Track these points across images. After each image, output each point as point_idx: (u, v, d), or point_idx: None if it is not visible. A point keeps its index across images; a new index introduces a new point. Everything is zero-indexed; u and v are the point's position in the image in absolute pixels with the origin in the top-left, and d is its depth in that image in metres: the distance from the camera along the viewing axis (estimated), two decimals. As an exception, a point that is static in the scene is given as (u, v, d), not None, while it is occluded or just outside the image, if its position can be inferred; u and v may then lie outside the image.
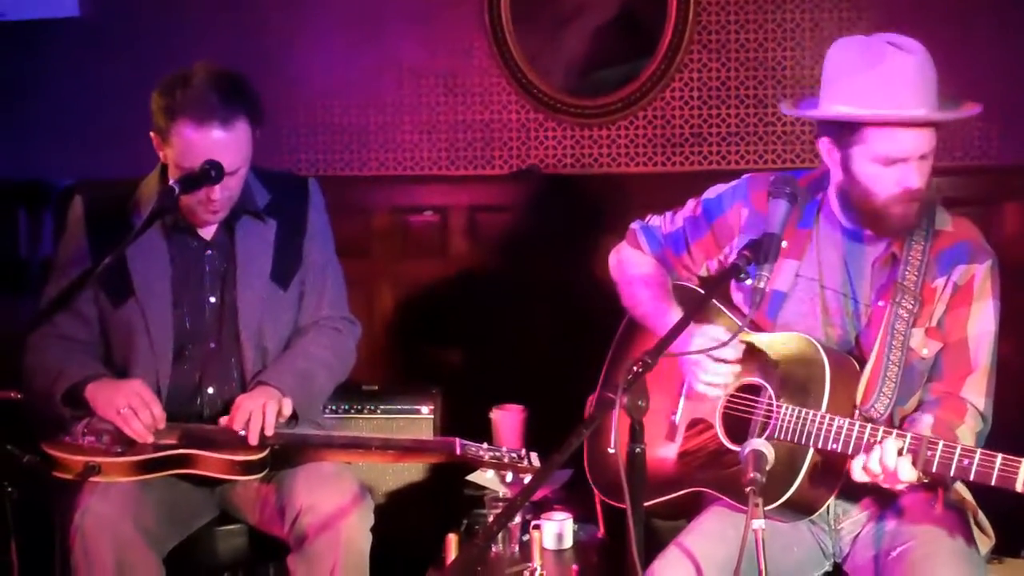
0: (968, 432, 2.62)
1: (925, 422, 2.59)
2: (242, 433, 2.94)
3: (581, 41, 4.50)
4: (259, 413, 2.94)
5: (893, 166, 2.59)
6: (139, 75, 4.37)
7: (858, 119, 2.59)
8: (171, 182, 2.90)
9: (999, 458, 2.35)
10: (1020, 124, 4.26)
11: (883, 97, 2.56)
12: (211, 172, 2.87)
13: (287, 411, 3.01)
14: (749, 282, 2.48)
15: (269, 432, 2.94)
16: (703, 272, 3.05)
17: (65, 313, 3.06)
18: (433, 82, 4.61)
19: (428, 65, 4.60)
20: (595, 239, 4.15)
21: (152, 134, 2.99)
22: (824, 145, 2.70)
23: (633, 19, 4.46)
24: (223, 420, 3.00)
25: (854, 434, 2.54)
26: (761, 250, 2.49)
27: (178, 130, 2.90)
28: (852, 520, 2.79)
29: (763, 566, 2.24)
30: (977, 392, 2.68)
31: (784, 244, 2.77)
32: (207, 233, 3.13)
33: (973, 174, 4.30)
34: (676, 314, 2.86)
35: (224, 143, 2.92)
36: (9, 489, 2.63)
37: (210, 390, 3.12)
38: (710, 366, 2.77)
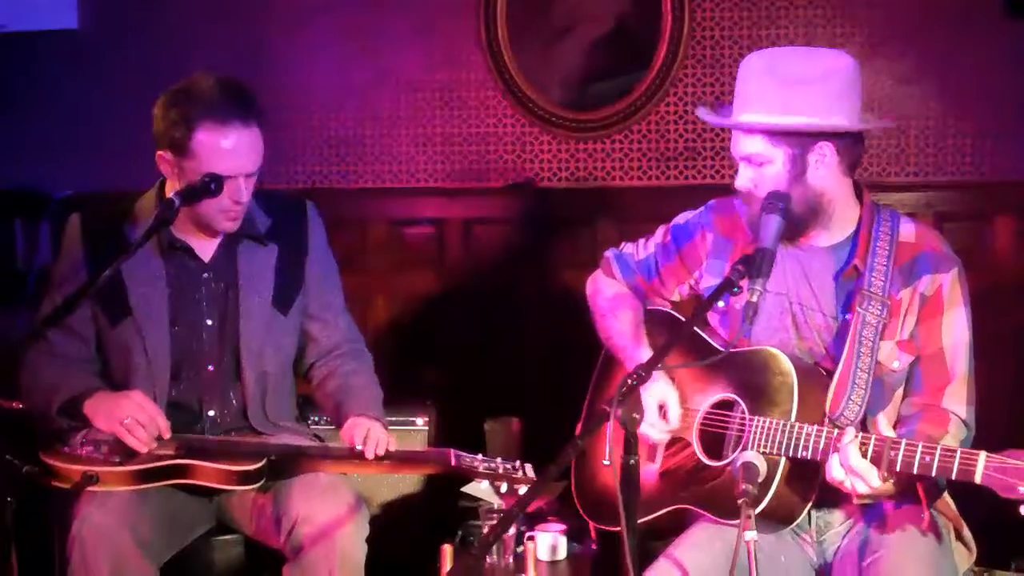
0: (952, 442, 2.61)
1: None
2: (359, 448, 2.97)
3: (577, 55, 4.53)
4: (374, 432, 2.98)
5: (742, 163, 2.72)
6: (136, 88, 4.40)
7: (712, 123, 2.90)
8: (171, 194, 2.91)
9: (959, 452, 2.35)
10: (1010, 141, 4.30)
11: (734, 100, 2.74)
12: (211, 185, 2.89)
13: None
14: (755, 297, 2.50)
15: (382, 450, 2.97)
16: (675, 297, 3.09)
17: (61, 331, 3.06)
18: (429, 95, 4.64)
19: (425, 78, 4.62)
20: (590, 252, 4.18)
21: (161, 152, 2.97)
22: None
23: (628, 33, 4.49)
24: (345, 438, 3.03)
25: (822, 440, 2.55)
26: (754, 264, 2.52)
27: (199, 137, 2.90)
28: (835, 531, 2.79)
29: (755, 577, 2.26)
30: (958, 401, 2.67)
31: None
32: (205, 255, 3.13)
33: (965, 189, 4.33)
34: (644, 349, 2.92)
35: (248, 142, 2.94)
36: (8, 499, 2.64)
37: (211, 412, 3.14)
38: (651, 417, 2.82)
